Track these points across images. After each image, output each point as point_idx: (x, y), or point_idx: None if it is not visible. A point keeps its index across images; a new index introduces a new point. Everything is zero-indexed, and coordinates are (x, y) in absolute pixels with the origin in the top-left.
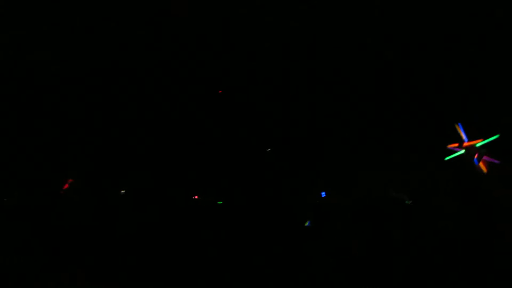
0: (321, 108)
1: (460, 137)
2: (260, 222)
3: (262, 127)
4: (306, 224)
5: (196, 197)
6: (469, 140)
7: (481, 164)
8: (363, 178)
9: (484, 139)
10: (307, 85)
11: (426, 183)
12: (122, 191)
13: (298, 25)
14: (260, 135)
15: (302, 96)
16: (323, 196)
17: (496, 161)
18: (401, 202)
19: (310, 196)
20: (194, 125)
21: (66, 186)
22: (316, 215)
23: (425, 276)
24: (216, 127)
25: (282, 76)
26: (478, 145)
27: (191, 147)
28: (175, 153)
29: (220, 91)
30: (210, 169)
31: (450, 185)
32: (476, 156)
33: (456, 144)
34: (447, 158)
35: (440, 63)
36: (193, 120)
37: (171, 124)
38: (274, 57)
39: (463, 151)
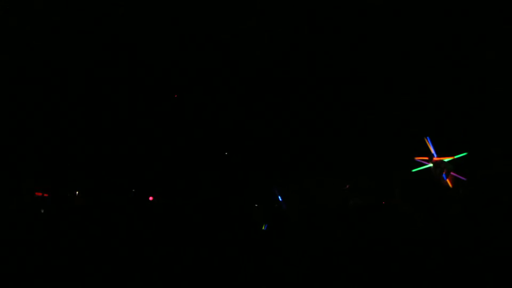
0: (280, 114)
1: (429, 151)
2: (217, 225)
3: (220, 131)
4: (263, 228)
5: (151, 198)
6: (438, 155)
7: (448, 180)
8: (321, 183)
9: (453, 155)
10: (271, 91)
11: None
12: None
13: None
14: (219, 140)
15: (264, 102)
16: (280, 200)
17: (463, 178)
18: (357, 207)
19: (268, 200)
20: (152, 128)
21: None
22: (274, 219)
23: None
24: (175, 130)
25: (248, 82)
26: (446, 160)
27: (151, 150)
28: (134, 156)
29: (175, 95)
30: (168, 172)
31: (413, 193)
32: (444, 171)
33: (426, 158)
34: (414, 170)
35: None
36: (151, 123)
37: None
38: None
39: (431, 164)
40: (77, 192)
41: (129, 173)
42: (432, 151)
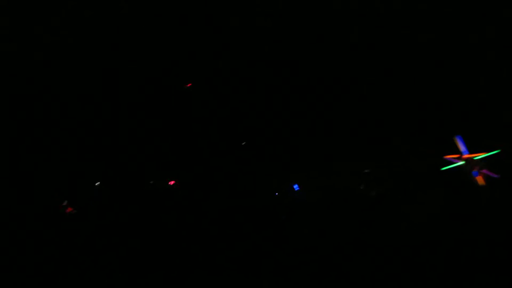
0: (295, 106)
1: (459, 149)
2: (234, 214)
3: (238, 123)
4: (282, 217)
5: (172, 182)
6: (469, 153)
7: (479, 177)
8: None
9: (485, 152)
10: (284, 85)
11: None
12: (96, 183)
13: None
14: (236, 131)
15: (277, 95)
16: (296, 189)
17: (495, 175)
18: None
19: (284, 190)
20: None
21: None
22: (290, 208)
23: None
24: (194, 123)
25: (258, 77)
26: (477, 158)
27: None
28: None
29: (189, 84)
30: (187, 162)
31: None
32: (476, 169)
33: (456, 155)
34: (444, 168)
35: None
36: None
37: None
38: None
39: (462, 162)
40: (96, 184)
41: (145, 165)
42: (463, 148)
